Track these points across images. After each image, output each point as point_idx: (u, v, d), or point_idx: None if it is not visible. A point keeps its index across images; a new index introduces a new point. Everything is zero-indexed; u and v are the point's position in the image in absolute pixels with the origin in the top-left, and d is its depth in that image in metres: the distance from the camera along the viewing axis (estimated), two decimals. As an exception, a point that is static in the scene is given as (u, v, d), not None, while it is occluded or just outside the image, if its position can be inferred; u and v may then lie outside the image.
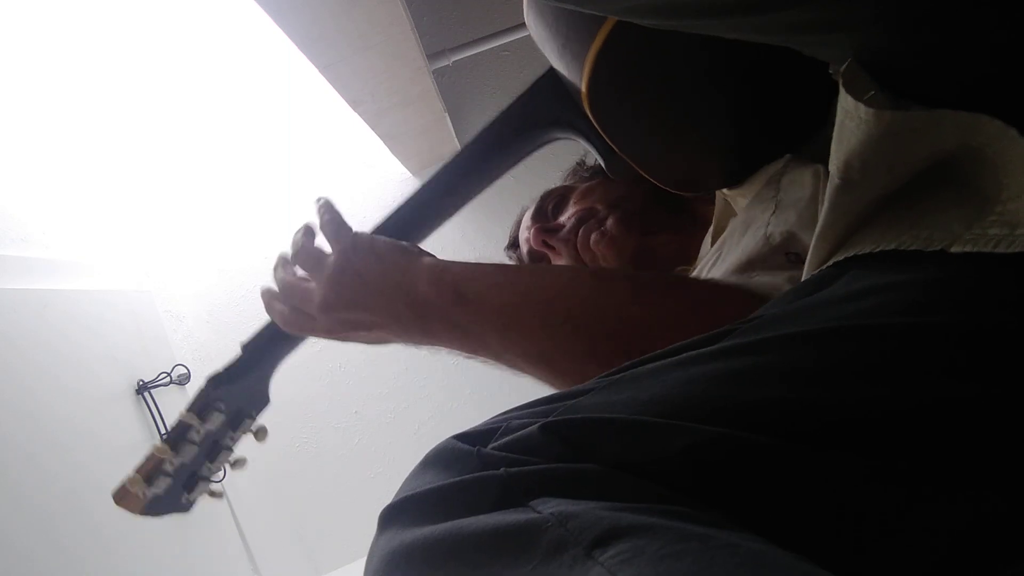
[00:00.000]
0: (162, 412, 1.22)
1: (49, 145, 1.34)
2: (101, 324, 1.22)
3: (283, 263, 0.58)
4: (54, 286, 1.15)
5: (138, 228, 1.52)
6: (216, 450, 0.60)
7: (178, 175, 1.55)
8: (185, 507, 0.60)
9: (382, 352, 1.51)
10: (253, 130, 1.54)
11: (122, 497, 0.56)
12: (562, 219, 0.78)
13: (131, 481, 0.55)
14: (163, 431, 1.21)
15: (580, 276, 0.49)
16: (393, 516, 0.27)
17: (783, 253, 0.48)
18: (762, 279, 0.46)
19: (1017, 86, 0.28)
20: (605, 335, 0.45)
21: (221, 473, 0.62)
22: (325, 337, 0.56)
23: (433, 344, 0.52)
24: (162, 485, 0.56)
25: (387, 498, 0.28)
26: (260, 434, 0.63)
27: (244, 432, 0.62)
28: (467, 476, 0.26)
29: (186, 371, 1.35)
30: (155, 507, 0.57)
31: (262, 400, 0.63)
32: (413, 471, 0.29)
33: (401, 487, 0.29)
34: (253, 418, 0.62)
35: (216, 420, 0.58)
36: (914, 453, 0.24)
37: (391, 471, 1.46)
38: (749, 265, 0.49)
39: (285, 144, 1.54)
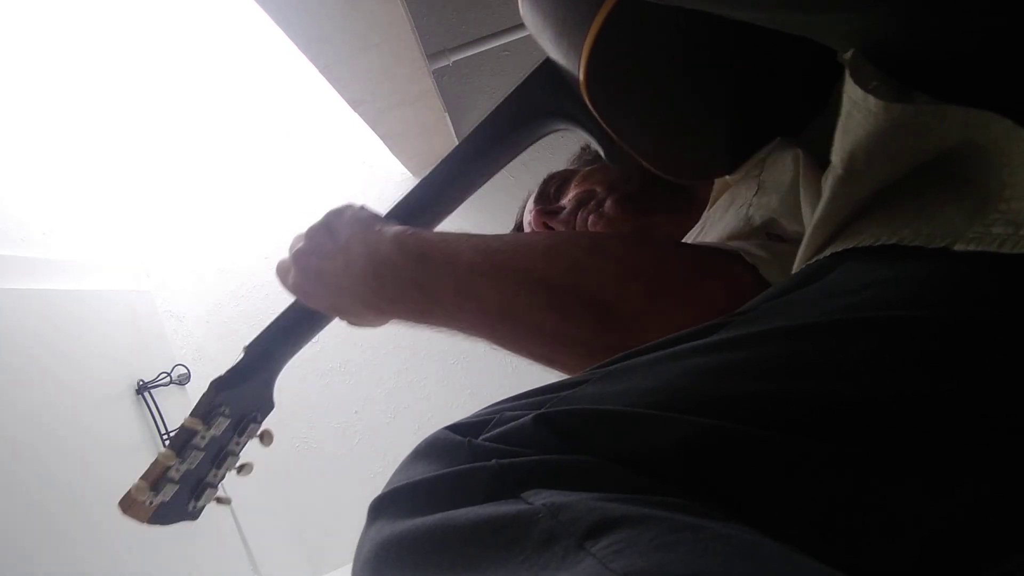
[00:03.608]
0: (162, 412, 1.22)
1: (50, 145, 1.34)
2: (101, 324, 1.22)
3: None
4: (54, 286, 1.15)
5: (138, 228, 1.53)
6: (222, 456, 0.59)
7: (178, 175, 1.56)
8: (193, 515, 0.59)
9: (382, 352, 1.51)
10: (253, 130, 1.54)
11: (128, 506, 0.54)
12: (563, 201, 0.79)
13: (137, 488, 0.53)
14: (163, 431, 1.21)
15: (542, 235, 0.50)
16: (383, 507, 0.27)
17: (764, 234, 0.48)
18: (733, 243, 0.47)
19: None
20: (564, 285, 0.45)
21: (223, 477, 0.61)
22: (292, 289, 0.58)
23: (383, 307, 0.54)
24: (168, 492, 0.55)
25: (387, 498, 0.28)
26: (266, 438, 0.62)
27: (250, 437, 0.61)
28: (458, 467, 0.26)
29: (186, 371, 1.35)
30: (162, 515, 0.56)
31: (267, 404, 0.62)
32: (404, 462, 0.29)
33: (392, 478, 0.28)
34: (259, 423, 0.61)
35: (221, 425, 0.57)
36: (898, 447, 0.24)
37: (391, 471, 1.46)
38: (729, 240, 0.49)
39: (285, 144, 1.54)
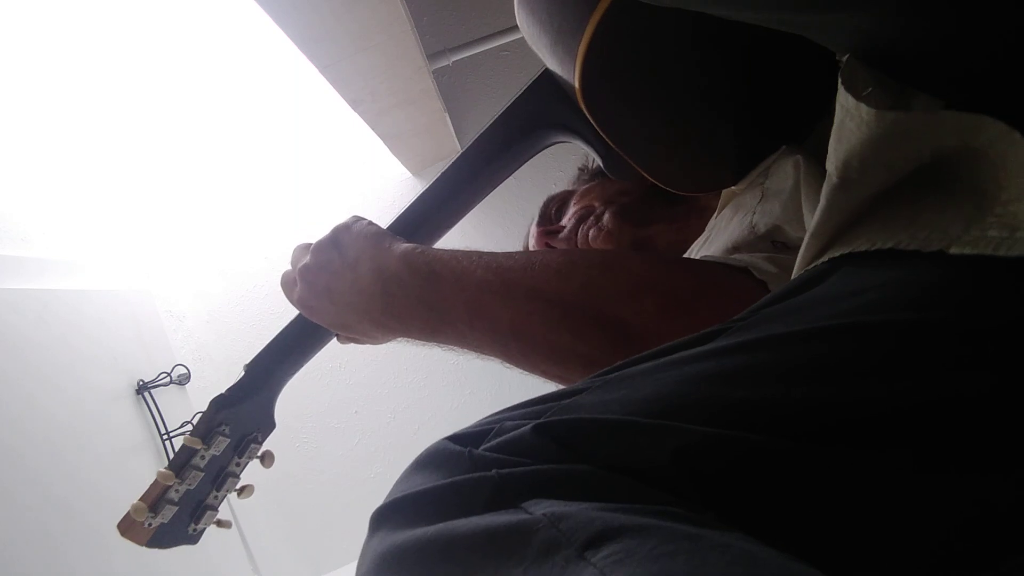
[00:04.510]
0: (162, 412, 1.22)
1: (50, 145, 1.34)
2: (101, 324, 1.22)
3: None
4: (54, 286, 1.15)
5: (138, 228, 1.52)
6: (222, 477, 0.58)
7: (178, 175, 1.55)
8: (192, 539, 0.58)
9: (382, 352, 1.51)
10: (253, 130, 1.54)
11: (127, 528, 0.53)
12: (564, 221, 0.80)
13: (135, 509, 0.53)
14: (163, 431, 1.21)
15: (555, 253, 0.50)
16: (384, 517, 0.27)
17: (769, 241, 0.49)
18: (740, 256, 0.47)
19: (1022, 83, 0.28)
20: (578, 303, 0.45)
21: (224, 499, 0.60)
22: (298, 304, 0.58)
23: (392, 325, 0.53)
24: (168, 514, 0.54)
25: (387, 499, 0.28)
26: (267, 460, 0.61)
27: (251, 458, 0.60)
28: (459, 477, 0.26)
29: (186, 371, 1.35)
30: (160, 538, 0.55)
31: (268, 424, 0.61)
32: (405, 472, 0.29)
33: (393, 488, 0.28)
34: (259, 443, 0.61)
35: (221, 444, 0.56)
36: (921, 448, 0.24)
37: (391, 471, 1.46)
38: (735, 250, 0.50)
39: (285, 144, 1.54)
